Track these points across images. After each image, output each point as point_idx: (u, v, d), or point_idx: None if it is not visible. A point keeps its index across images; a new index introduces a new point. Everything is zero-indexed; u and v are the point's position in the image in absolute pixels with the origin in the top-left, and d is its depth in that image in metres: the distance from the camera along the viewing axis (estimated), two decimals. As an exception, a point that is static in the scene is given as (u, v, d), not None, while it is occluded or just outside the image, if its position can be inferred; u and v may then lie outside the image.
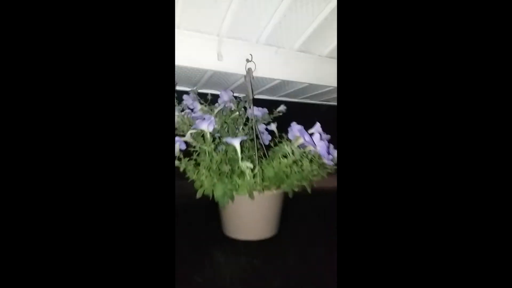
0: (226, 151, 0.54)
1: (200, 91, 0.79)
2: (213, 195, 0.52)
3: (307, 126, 0.74)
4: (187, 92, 0.71)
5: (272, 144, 0.67)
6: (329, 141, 0.67)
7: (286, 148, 0.51)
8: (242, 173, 0.49)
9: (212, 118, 0.52)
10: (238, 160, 0.49)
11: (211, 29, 0.61)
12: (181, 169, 0.55)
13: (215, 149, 0.52)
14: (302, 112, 1.00)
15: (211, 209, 0.65)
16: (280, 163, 0.51)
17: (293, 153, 0.51)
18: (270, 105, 0.83)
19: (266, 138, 0.75)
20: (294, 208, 0.66)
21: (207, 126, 0.52)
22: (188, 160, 0.57)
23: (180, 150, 0.56)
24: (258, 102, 0.72)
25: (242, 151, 0.57)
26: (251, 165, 0.46)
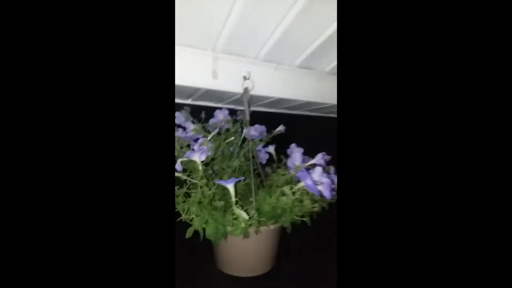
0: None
1: (193, 103, 0.73)
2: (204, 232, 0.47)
3: (308, 140, 0.69)
4: (180, 105, 0.66)
5: (269, 170, 0.62)
6: (331, 162, 0.62)
7: (285, 189, 0.46)
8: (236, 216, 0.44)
9: (205, 148, 0.47)
10: (232, 205, 0.44)
11: (205, 44, 0.56)
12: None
13: (207, 183, 0.47)
14: (303, 125, 0.95)
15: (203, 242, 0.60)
16: (278, 200, 0.47)
17: (293, 193, 0.46)
18: (269, 117, 0.78)
19: (264, 157, 0.70)
20: (292, 237, 0.62)
21: (198, 156, 0.47)
22: (178, 189, 0.52)
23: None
24: (256, 115, 0.67)
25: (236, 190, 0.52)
26: (246, 216, 0.41)
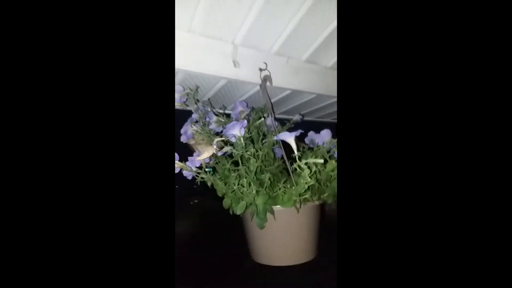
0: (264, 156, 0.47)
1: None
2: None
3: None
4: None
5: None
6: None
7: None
8: (285, 182, 0.42)
9: (245, 121, 0.46)
10: (295, 158, 0.41)
11: (226, 36, 0.58)
12: (209, 184, 0.47)
13: (255, 154, 0.45)
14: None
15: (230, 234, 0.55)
16: (325, 165, 0.46)
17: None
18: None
19: (278, 152, 0.70)
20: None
21: (239, 130, 0.46)
22: (212, 174, 0.48)
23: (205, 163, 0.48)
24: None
25: (260, 169, 0.50)
26: (321, 160, 0.39)
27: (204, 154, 0.44)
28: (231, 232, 0.75)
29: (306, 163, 0.39)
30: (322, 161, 0.39)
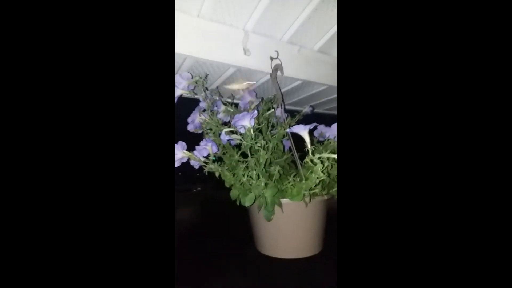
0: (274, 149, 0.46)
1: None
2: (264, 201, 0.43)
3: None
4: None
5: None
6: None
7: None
8: (295, 175, 0.41)
9: (255, 112, 0.45)
10: (309, 152, 0.40)
11: (237, 23, 0.56)
12: (217, 174, 0.46)
13: (265, 145, 0.44)
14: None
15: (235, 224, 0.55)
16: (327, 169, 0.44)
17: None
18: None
19: (286, 144, 0.68)
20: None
21: (249, 121, 0.44)
22: (219, 165, 0.47)
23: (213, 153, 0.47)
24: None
25: (270, 161, 0.49)
26: (335, 155, 0.38)
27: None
28: (233, 221, 0.75)
29: (319, 158, 0.38)
30: (336, 156, 0.38)
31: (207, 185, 1.41)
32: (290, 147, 0.57)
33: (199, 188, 1.45)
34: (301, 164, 0.50)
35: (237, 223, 0.68)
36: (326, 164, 0.39)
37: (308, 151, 0.40)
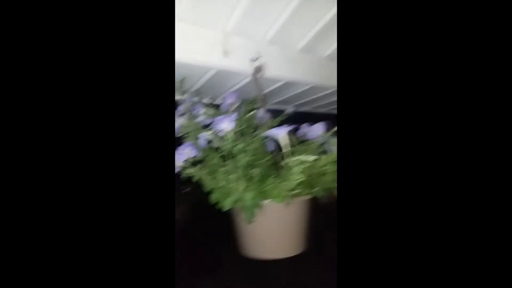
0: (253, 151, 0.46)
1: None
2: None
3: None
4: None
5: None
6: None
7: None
8: (275, 176, 0.40)
9: (234, 115, 0.45)
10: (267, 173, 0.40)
11: (216, 24, 0.55)
12: (196, 178, 0.45)
13: (244, 149, 0.43)
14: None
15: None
16: (317, 161, 0.45)
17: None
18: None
19: (270, 145, 0.68)
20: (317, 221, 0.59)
21: (228, 124, 0.44)
22: (199, 169, 0.47)
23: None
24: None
25: (252, 164, 0.49)
26: (311, 158, 0.38)
27: None
28: (220, 222, 0.75)
29: (297, 159, 0.38)
30: (312, 158, 0.38)
31: (196, 186, 1.40)
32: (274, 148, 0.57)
33: (188, 189, 1.44)
34: (282, 166, 0.50)
35: (224, 223, 0.68)
36: (303, 166, 0.39)
37: (282, 156, 0.40)
